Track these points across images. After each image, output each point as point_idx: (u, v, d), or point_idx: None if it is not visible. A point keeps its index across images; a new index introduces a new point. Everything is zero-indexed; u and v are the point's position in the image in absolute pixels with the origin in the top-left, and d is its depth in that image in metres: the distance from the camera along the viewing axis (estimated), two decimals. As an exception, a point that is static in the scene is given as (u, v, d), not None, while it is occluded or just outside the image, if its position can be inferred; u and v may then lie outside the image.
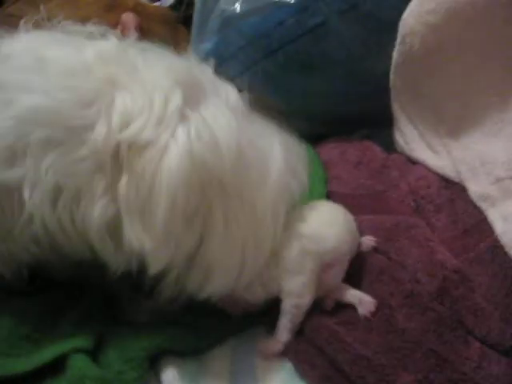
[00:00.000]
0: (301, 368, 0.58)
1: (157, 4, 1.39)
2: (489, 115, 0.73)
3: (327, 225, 0.64)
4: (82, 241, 0.55)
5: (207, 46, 0.87)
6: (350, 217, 0.66)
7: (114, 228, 0.54)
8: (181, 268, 0.57)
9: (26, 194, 0.53)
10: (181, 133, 0.54)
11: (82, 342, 0.59)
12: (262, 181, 0.58)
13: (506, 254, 0.63)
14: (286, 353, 0.60)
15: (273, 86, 0.89)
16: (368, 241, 0.67)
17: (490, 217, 0.68)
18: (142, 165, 0.53)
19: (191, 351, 0.61)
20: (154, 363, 0.59)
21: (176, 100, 0.55)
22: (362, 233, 0.69)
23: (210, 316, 0.62)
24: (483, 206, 0.69)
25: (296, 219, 0.63)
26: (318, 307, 0.62)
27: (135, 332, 0.61)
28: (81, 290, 0.66)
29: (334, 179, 0.81)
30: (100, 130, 0.53)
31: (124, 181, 0.53)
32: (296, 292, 0.60)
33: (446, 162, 0.76)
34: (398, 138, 0.83)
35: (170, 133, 0.54)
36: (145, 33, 1.15)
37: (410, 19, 0.73)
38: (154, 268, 0.55)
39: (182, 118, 0.55)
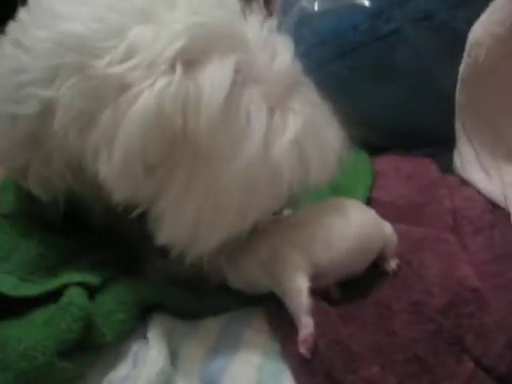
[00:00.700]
0: (286, 348, 0.57)
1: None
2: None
3: (331, 235, 0.60)
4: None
5: (282, 39, 0.89)
6: (369, 230, 0.61)
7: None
8: (143, 209, 0.57)
9: (57, 115, 0.57)
10: (160, 83, 0.53)
11: (89, 278, 0.61)
12: (240, 152, 0.54)
13: (531, 284, 0.59)
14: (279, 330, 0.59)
15: (340, 89, 0.88)
16: (390, 264, 0.63)
17: (526, 246, 0.63)
18: (120, 103, 0.54)
19: (185, 312, 0.61)
20: (146, 318, 0.61)
21: (175, 48, 0.54)
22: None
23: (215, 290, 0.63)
24: (523, 234, 0.65)
25: (300, 214, 0.62)
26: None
27: (138, 281, 0.63)
28: (110, 237, 0.70)
29: (380, 188, 0.80)
30: (105, 61, 0.54)
31: (106, 114, 0.54)
32: (292, 290, 0.57)
33: (497, 186, 0.72)
34: (456, 158, 0.80)
35: (152, 80, 0.53)
36: None
37: (478, 30, 0.70)
38: (115, 198, 0.56)
39: (172, 69, 0.53)
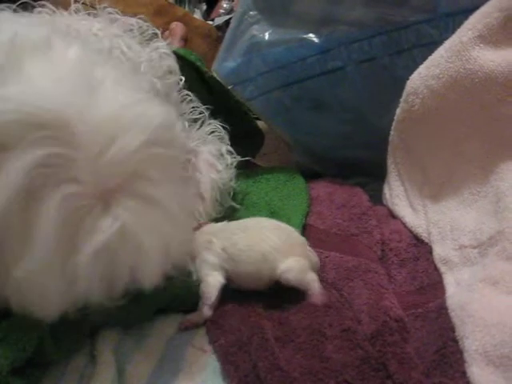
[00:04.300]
0: (226, 368, 0.61)
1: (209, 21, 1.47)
2: (468, 185, 0.76)
3: (234, 252, 0.69)
4: None
5: (231, 64, 0.93)
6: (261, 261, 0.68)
7: None
8: None
9: None
10: None
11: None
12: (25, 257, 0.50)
13: (448, 315, 0.65)
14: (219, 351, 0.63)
15: (282, 116, 0.94)
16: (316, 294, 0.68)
17: (445, 280, 0.70)
18: None
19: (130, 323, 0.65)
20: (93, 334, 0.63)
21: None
22: (325, 266, 0.73)
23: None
24: (442, 268, 0.72)
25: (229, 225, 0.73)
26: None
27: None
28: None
29: (315, 214, 0.85)
30: None
31: None
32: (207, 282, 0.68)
33: (422, 222, 0.79)
34: (386, 191, 0.87)
35: None
36: (187, 43, 1.22)
37: (415, 80, 0.77)
38: None
39: None
